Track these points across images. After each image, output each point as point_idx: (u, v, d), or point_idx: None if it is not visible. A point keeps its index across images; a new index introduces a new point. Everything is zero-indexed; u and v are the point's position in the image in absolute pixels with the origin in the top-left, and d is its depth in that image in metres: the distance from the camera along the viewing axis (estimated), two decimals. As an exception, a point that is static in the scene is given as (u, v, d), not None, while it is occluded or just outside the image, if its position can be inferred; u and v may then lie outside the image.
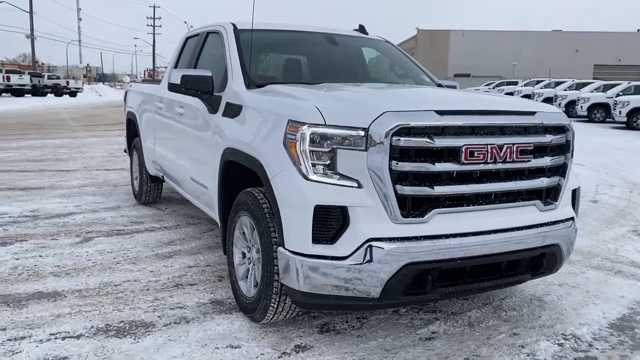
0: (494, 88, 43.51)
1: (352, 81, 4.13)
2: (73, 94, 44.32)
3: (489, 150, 2.80)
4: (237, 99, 3.56)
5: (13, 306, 3.47)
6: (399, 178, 2.69)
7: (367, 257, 2.66)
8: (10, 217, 5.75)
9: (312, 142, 2.74)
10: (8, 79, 37.50)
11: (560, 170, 3.19)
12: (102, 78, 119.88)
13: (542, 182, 3.06)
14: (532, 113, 3.06)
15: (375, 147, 2.64)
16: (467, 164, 2.77)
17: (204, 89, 3.76)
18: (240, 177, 3.39)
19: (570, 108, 25.56)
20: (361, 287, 2.70)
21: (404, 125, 2.65)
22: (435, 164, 2.71)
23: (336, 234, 2.70)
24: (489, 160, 2.82)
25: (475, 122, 2.81)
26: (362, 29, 4.91)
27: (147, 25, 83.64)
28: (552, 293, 3.93)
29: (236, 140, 3.36)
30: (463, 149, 2.74)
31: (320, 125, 2.73)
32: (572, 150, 3.23)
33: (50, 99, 37.92)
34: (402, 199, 2.71)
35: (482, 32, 66.11)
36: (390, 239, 2.68)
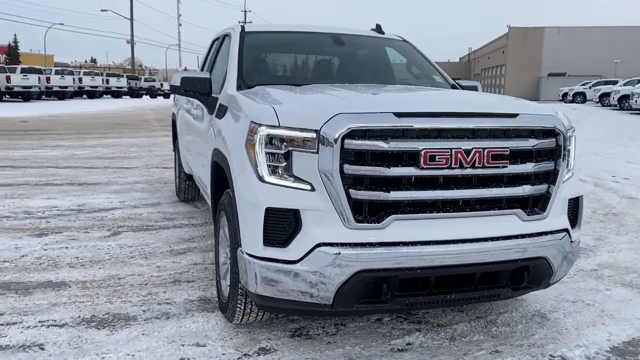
0: (590, 88, 40.89)
1: (356, 82, 4.04)
2: (167, 95, 46.91)
3: (453, 154, 2.64)
4: (226, 100, 3.60)
5: (19, 293, 3.73)
6: (353, 181, 2.61)
7: (317, 262, 2.60)
8: (57, 210, 6.19)
9: (267, 143, 2.72)
10: (107, 82, 40.44)
11: (550, 178, 2.94)
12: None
13: (524, 190, 2.84)
14: (513, 115, 2.84)
15: (326, 149, 2.57)
16: (427, 168, 2.62)
17: (201, 91, 3.85)
18: (225, 178, 3.43)
19: (604, 99, 34.32)
20: (312, 293, 2.65)
21: (357, 127, 2.56)
22: (391, 168, 2.59)
23: (289, 237, 2.66)
24: (453, 165, 2.65)
25: (438, 124, 2.66)
26: (378, 28, 4.80)
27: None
28: (560, 310, 3.63)
29: (219, 141, 3.41)
30: (422, 153, 2.60)
31: (275, 126, 2.70)
32: (565, 155, 2.97)
33: (145, 100, 40.43)
34: (357, 204, 2.62)
35: (581, 28, 62.16)
36: (342, 244, 2.60)
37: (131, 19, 55.70)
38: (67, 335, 3.12)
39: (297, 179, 2.68)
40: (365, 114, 2.64)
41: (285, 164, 2.70)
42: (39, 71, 34.01)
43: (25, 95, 32.30)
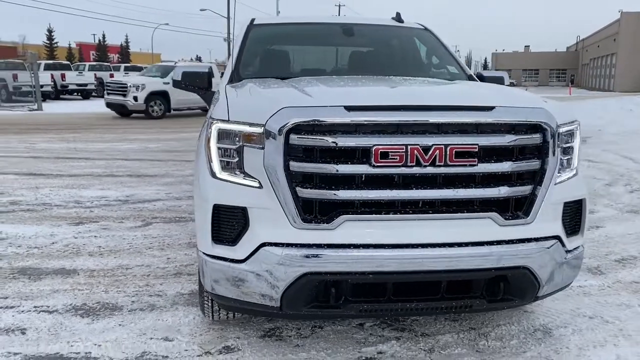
0: None
1: (362, 74, 3.85)
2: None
3: (409, 151, 2.41)
4: (216, 95, 3.57)
5: (31, 279, 3.95)
6: (300, 179, 2.47)
7: (261, 263, 2.49)
8: (106, 200, 6.52)
9: (219, 139, 2.65)
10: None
11: (536, 178, 2.62)
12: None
13: (499, 191, 2.55)
14: (488, 108, 2.55)
15: (271, 144, 2.46)
16: (379, 166, 2.42)
17: (200, 85, 3.85)
18: None
19: None
20: (259, 294, 2.54)
21: (302, 121, 2.42)
22: (338, 165, 2.42)
23: (237, 235, 2.58)
24: (409, 163, 2.43)
25: (391, 118, 2.44)
26: (398, 16, 4.55)
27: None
28: (571, 325, 3.25)
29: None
30: (373, 150, 2.41)
31: (225, 121, 2.62)
32: (556, 153, 2.63)
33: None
34: (306, 202, 2.48)
35: None
36: (287, 245, 2.48)
37: (228, 18, 57.74)
38: (51, 322, 3.25)
39: (247, 176, 2.58)
40: (313, 108, 2.48)
41: (237, 159, 2.62)
42: (139, 69, 36.25)
43: (126, 91, 34.59)
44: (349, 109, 2.44)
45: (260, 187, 2.54)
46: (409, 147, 2.42)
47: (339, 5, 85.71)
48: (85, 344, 2.98)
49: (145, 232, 5.18)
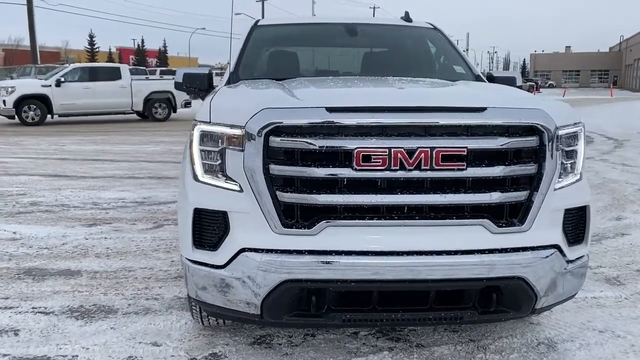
0: None
1: (365, 75, 3.75)
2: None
3: (392, 154, 2.30)
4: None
5: (35, 279, 3.98)
6: (280, 183, 2.39)
7: (240, 269, 2.42)
8: (122, 202, 6.58)
9: (202, 141, 2.59)
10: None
11: (532, 183, 2.47)
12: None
13: (491, 197, 2.41)
14: (480, 109, 2.42)
15: (250, 147, 2.39)
16: (362, 170, 2.32)
17: (200, 87, 3.82)
18: None
19: None
20: (239, 301, 2.47)
21: (282, 123, 2.34)
22: (319, 168, 2.33)
23: (218, 240, 2.52)
24: (393, 167, 2.32)
25: (376, 120, 2.33)
26: (406, 16, 4.42)
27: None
28: (579, 339, 3.06)
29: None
30: (355, 153, 2.30)
31: (206, 122, 2.57)
32: (555, 157, 2.47)
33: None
34: (288, 207, 2.40)
35: None
36: (268, 251, 2.40)
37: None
38: (45, 324, 3.25)
39: (229, 179, 2.52)
40: (294, 109, 2.40)
41: (219, 162, 2.55)
42: (173, 72, 36.88)
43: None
44: (331, 110, 2.35)
45: (241, 190, 2.46)
46: (392, 150, 2.31)
47: (374, 8, 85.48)
48: (73, 347, 2.96)
49: (155, 234, 5.19)
